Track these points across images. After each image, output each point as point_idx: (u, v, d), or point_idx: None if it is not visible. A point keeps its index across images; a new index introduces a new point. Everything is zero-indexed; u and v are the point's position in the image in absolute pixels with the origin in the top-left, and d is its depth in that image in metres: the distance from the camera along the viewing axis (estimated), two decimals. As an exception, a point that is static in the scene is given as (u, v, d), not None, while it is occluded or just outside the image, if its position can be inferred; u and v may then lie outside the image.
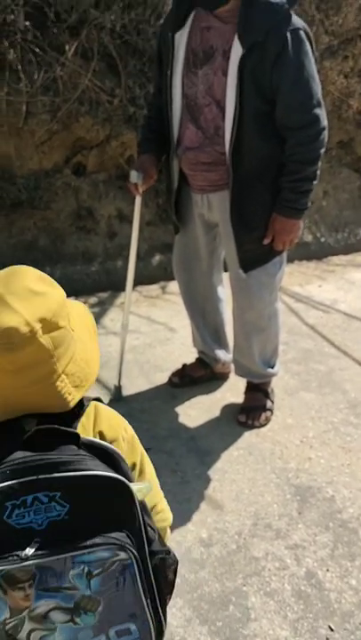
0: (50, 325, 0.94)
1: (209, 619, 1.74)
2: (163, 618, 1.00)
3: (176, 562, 1.05)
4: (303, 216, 2.27)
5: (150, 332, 3.31)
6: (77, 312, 1.07)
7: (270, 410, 2.63)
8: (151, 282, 4.10)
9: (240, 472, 2.31)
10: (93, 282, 4.02)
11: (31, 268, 1.01)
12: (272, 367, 2.62)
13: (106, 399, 2.74)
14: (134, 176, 2.33)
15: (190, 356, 2.99)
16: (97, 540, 0.89)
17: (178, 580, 1.79)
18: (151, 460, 2.26)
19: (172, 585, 1.05)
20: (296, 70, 2.04)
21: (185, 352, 3.07)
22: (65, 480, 0.88)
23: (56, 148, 4.03)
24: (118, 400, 2.70)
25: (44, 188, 4.00)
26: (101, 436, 1.06)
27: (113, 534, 0.91)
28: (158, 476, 2.23)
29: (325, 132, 2.14)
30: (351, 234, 5.01)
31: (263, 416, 2.59)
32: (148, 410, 2.65)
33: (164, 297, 3.81)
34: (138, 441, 1.19)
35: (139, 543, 0.94)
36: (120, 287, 4.02)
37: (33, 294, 0.94)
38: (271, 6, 2.00)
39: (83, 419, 1.04)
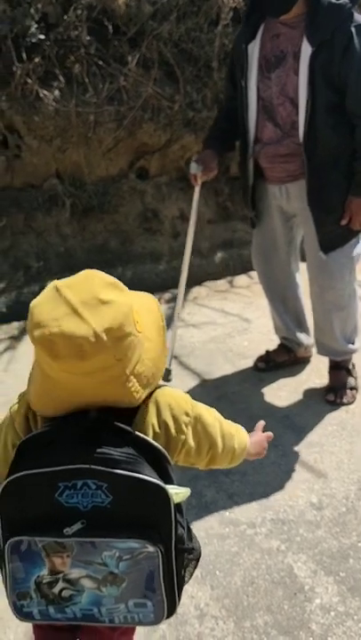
0: (117, 334, 0.99)
1: (333, 570, 1.91)
2: (177, 599, 1.14)
3: (198, 557, 1.20)
4: None
5: (227, 323, 3.49)
6: (147, 308, 1.12)
7: (355, 388, 2.79)
8: (216, 278, 4.29)
9: (337, 445, 2.47)
10: (162, 280, 4.21)
11: (101, 273, 1.06)
12: (353, 343, 2.78)
13: (192, 383, 2.92)
14: (194, 167, 2.54)
15: (269, 343, 3.16)
16: (130, 532, 1.03)
17: (298, 539, 1.98)
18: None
19: (191, 574, 1.20)
20: None
21: (264, 340, 3.24)
22: (112, 476, 0.99)
23: (121, 155, 4.24)
24: (168, 382, 2.84)
25: (112, 193, 4.22)
26: (166, 426, 1.14)
27: (146, 529, 1.03)
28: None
29: None
30: None
31: (350, 394, 2.76)
32: (239, 392, 2.84)
33: (234, 290, 3.99)
34: (205, 417, 1.23)
35: (167, 539, 1.06)
36: (189, 283, 4.22)
37: (101, 304, 0.99)
38: (335, 7, 2.22)
39: (143, 411, 1.12)
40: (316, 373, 2.96)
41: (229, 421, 1.33)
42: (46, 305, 1.00)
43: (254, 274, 4.18)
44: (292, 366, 3.01)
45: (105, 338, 0.97)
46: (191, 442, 1.19)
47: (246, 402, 2.76)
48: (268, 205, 2.69)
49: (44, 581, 1.08)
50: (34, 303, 1.03)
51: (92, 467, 0.99)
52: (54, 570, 1.07)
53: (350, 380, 2.81)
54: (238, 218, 4.58)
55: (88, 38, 3.97)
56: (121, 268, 4.13)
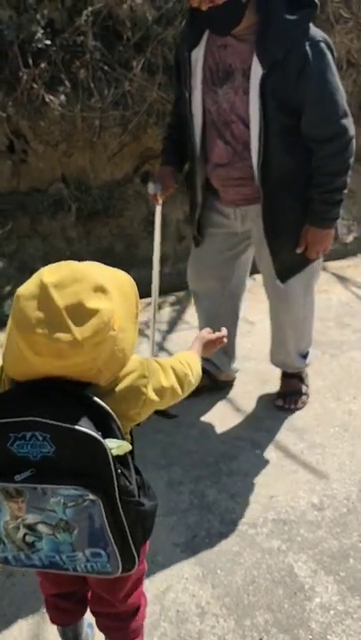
0: (96, 340, 1.07)
1: (333, 570, 1.93)
2: (135, 554, 1.22)
3: (152, 510, 1.26)
4: (334, 225, 2.30)
5: (231, 326, 3.51)
6: (124, 295, 1.17)
7: (306, 394, 2.80)
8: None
9: (338, 447, 2.49)
10: (167, 283, 4.22)
11: (90, 272, 1.11)
12: (305, 357, 2.76)
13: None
14: (152, 188, 2.44)
15: (272, 345, 3.20)
16: (72, 480, 1.11)
17: (299, 539, 1.99)
18: (255, 437, 2.46)
19: (149, 529, 1.28)
20: (319, 84, 2.04)
21: (267, 342, 3.22)
22: (53, 427, 1.08)
23: (126, 159, 4.28)
24: None
25: (117, 198, 4.25)
26: (126, 390, 1.21)
27: (87, 478, 1.11)
28: (264, 451, 2.43)
29: (353, 142, 2.15)
30: None
31: (300, 400, 2.76)
32: (242, 394, 2.86)
33: (238, 293, 4.00)
34: (158, 373, 1.31)
35: (109, 489, 1.13)
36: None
37: (86, 313, 1.06)
38: (288, 23, 1.99)
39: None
40: (319, 375, 2.97)
41: (181, 358, 1.42)
42: (33, 301, 1.07)
43: (258, 277, 4.20)
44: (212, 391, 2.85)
45: (85, 345, 1.06)
46: (154, 397, 1.27)
47: (249, 404, 2.78)
48: (214, 226, 2.51)
49: (10, 527, 1.18)
50: (21, 293, 1.09)
51: (36, 418, 1.07)
52: (14, 515, 1.17)
53: (302, 387, 2.80)
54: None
55: (93, 44, 4.00)
56: (125, 271, 4.16)
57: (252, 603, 1.83)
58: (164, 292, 4.10)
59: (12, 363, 1.13)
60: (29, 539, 1.20)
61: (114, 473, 1.12)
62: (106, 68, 4.04)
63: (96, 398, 1.13)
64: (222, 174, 2.31)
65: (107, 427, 1.13)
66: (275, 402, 2.77)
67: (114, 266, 3.84)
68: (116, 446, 1.12)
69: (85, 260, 3.63)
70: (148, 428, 2.44)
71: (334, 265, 4.27)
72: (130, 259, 4.26)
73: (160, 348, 3.34)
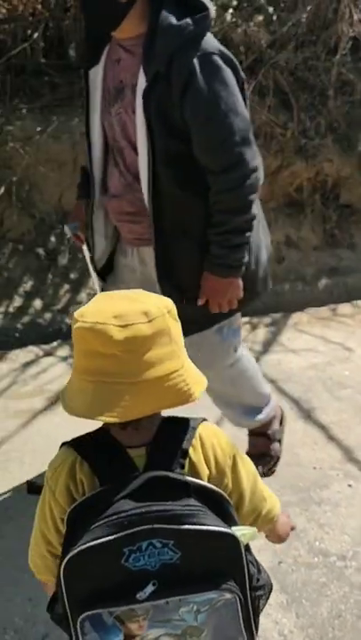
0: (172, 315, 1.05)
1: None
2: (255, 633, 1.10)
3: (270, 590, 1.14)
4: (239, 273, 1.94)
5: (327, 352, 3.46)
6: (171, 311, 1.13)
7: (275, 457, 2.42)
8: (319, 304, 4.24)
9: None
10: (264, 304, 4.23)
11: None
12: (260, 413, 2.36)
13: (287, 409, 2.88)
14: (67, 230, 2.28)
15: (370, 374, 3.12)
16: (206, 585, 0.98)
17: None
18: (348, 468, 2.40)
19: (261, 610, 1.13)
20: (209, 103, 1.74)
21: (365, 370, 3.19)
22: (178, 532, 0.96)
23: (232, 179, 4.33)
24: None
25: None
26: (208, 467, 1.10)
27: (220, 578, 0.99)
28: (357, 483, 2.37)
29: (256, 175, 1.83)
30: None
31: (266, 466, 2.41)
32: (337, 422, 2.80)
33: (336, 319, 3.94)
34: (241, 467, 1.17)
35: (242, 583, 1.02)
36: (289, 309, 4.22)
37: (151, 297, 1.07)
38: (173, 29, 1.70)
39: (191, 452, 1.08)
40: None
41: (266, 486, 1.27)
42: (96, 303, 1.04)
43: (359, 302, 4.14)
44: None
45: (165, 311, 1.03)
46: (230, 486, 1.14)
47: (344, 432, 2.73)
48: (121, 266, 2.21)
49: None
50: (80, 312, 1.02)
51: (155, 526, 0.96)
52: (131, 634, 1.01)
53: (270, 449, 2.41)
54: (345, 245, 4.54)
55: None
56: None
57: (337, 637, 1.79)
58: (260, 312, 4.11)
59: (89, 398, 1.01)
60: None
61: (245, 565, 1.04)
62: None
63: (207, 484, 1.04)
64: (115, 206, 2.04)
65: (226, 513, 1.04)
66: None
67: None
68: (242, 534, 1.03)
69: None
70: (240, 447, 2.48)
71: None
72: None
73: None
